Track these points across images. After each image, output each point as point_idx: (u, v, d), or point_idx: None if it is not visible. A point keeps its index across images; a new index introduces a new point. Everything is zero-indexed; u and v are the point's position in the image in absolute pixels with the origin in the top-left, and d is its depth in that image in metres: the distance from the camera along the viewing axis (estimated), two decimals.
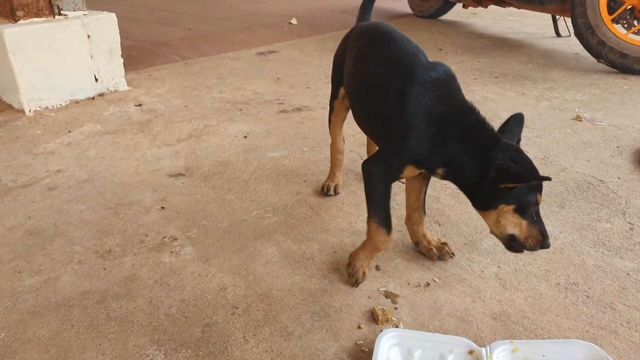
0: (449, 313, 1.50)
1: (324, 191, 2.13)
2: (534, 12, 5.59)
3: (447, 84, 1.52)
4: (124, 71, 3.35)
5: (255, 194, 2.16)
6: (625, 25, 3.66)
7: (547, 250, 1.73)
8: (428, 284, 1.62)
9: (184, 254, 1.77)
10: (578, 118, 2.83)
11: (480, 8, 5.29)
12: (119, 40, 3.29)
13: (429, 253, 1.72)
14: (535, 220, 1.42)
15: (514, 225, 1.43)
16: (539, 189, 1.42)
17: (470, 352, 1.29)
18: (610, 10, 3.57)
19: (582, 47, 3.71)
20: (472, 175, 1.45)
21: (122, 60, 3.31)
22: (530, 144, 2.55)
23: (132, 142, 2.64)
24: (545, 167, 2.32)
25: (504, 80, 3.54)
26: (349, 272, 1.62)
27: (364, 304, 1.54)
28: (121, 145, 2.61)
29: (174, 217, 1.98)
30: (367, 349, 1.37)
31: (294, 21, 5.38)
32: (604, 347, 1.33)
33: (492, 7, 5.07)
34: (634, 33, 3.61)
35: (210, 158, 2.47)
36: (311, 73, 3.80)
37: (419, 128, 1.47)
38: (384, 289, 1.60)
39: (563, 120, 2.85)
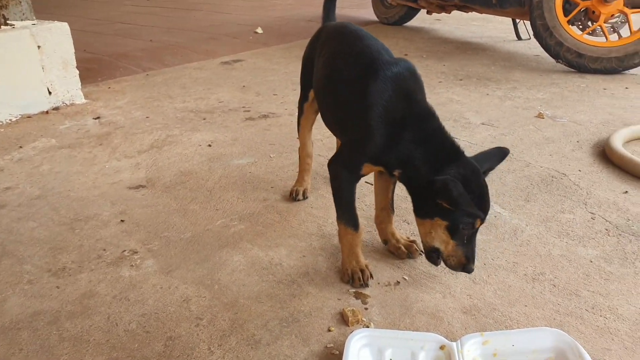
0: (419, 310, 1.47)
1: (293, 196, 2.10)
2: (496, 17, 5.73)
3: (408, 81, 1.51)
4: (80, 83, 3.25)
5: (220, 203, 2.10)
6: (580, 27, 3.77)
7: (515, 243, 1.76)
8: (398, 282, 1.59)
9: (145, 267, 1.71)
10: (540, 115, 2.88)
11: (443, 14, 5.39)
12: (73, 52, 3.18)
13: (398, 251, 1.70)
14: (465, 243, 1.42)
15: (442, 241, 1.44)
16: (482, 217, 1.41)
17: (442, 348, 1.26)
18: (566, 12, 3.67)
19: (541, 48, 3.81)
20: (422, 180, 1.43)
21: (77, 72, 3.21)
22: (496, 142, 2.57)
23: (90, 155, 2.56)
24: (511, 164, 2.34)
25: (469, 82, 3.59)
26: (348, 281, 1.59)
27: (334, 306, 1.50)
28: (78, 159, 2.52)
29: (134, 230, 1.91)
30: (337, 352, 1.33)
31: (259, 30, 5.37)
32: (571, 333, 1.33)
33: (455, 12, 5.17)
34: (589, 34, 3.72)
35: (173, 168, 2.41)
36: (278, 80, 3.78)
37: (376, 125, 1.45)
38: (354, 290, 1.57)
39: (526, 118, 2.90)
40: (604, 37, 3.61)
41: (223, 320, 1.46)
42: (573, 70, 3.67)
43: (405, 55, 4.38)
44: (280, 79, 3.81)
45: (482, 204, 1.40)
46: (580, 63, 3.56)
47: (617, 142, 2.32)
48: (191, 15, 6.67)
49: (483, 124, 2.84)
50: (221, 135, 2.79)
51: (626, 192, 2.05)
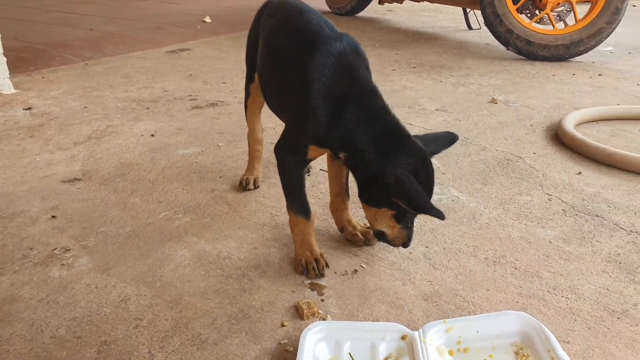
0: (378, 299, 1.39)
1: (242, 185, 1.97)
2: (447, 7, 5.77)
3: (350, 56, 1.41)
4: (8, 72, 2.98)
5: (164, 195, 1.95)
6: (529, 15, 3.82)
7: (474, 226, 1.71)
8: (355, 271, 1.50)
9: (78, 265, 1.54)
10: (493, 101, 2.87)
11: (395, 4, 5.36)
12: None
13: (355, 239, 1.61)
14: (408, 226, 1.43)
15: (389, 226, 1.43)
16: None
17: (403, 338, 1.18)
18: (515, 1, 3.71)
19: (492, 36, 3.83)
20: (371, 169, 1.36)
21: (4, 59, 2.94)
22: (450, 127, 2.53)
23: (19, 148, 2.33)
24: (466, 148, 2.30)
25: (422, 70, 3.56)
26: (302, 272, 1.49)
27: (288, 300, 1.40)
28: (4, 152, 2.29)
29: (67, 226, 1.73)
30: (291, 348, 1.23)
31: (207, 19, 5.17)
32: (534, 316, 1.27)
33: (407, 3, 5.15)
34: (536, 22, 3.77)
35: (112, 160, 2.23)
36: (227, 69, 3.62)
37: (317, 103, 1.36)
38: (309, 281, 1.46)
39: (480, 103, 2.88)
40: (551, 25, 3.67)
41: (165, 320, 1.32)
42: (523, 57, 3.71)
43: None
44: (230, 67, 3.66)
45: (429, 192, 1.39)
46: (530, 50, 3.61)
47: (569, 125, 2.32)
48: (135, 4, 6.36)
49: (437, 110, 2.80)
50: (165, 125, 2.62)
51: (580, 173, 2.05)
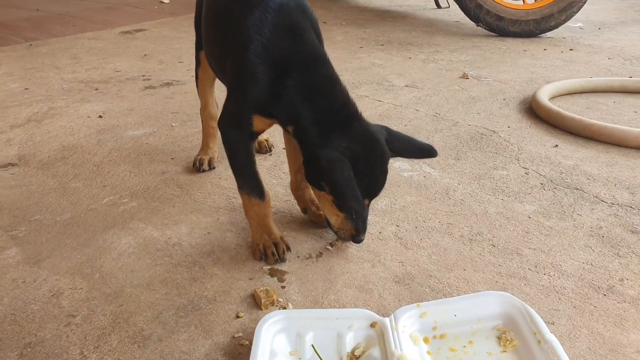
0: (346, 283, 1.25)
1: (196, 166, 1.79)
2: None
3: (295, 15, 1.24)
4: None
5: (109, 178, 1.76)
6: None
7: (447, 203, 1.58)
8: (320, 253, 1.36)
9: (4, 258, 1.35)
10: (465, 76, 2.76)
11: None
12: None
13: (319, 219, 1.46)
14: (355, 218, 1.26)
15: (332, 214, 1.29)
16: (371, 195, 1.26)
17: (372, 325, 1.04)
18: None
19: (461, 14, 3.72)
20: (313, 145, 1.22)
21: None
22: (421, 103, 2.41)
23: None
24: (438, 123, 2.18)
25: (390, 47, 3.42)
26: (260, 257, 1.34)
27: (244, 288, 1.24)
28: None
29: None
30: (247, 342, 1.08)
31: (165, 0, 4.90)
32: (516, 295, 1.16)
33: None
34: None
35: (53, 143, 2.02)
36: (185, 48, 3.40)
37: (256, 67, 1.20)
38: (269, 267, 1.31)
39: (451, 79, 2.77)
40: (522, 0, 3.58)
41: (103, 316, 1.15)
42: (493, 34, 3.62)
43: (324, 24, 4.15)
44: (188, 47, 3.43)
45: (372, 186, 1.24)
46: (500, 26, 3.51)
47: (543, 97, 2.22)
48: None
49: (407, 86, 2.67)
50: (115, 106, 2.41)
51: (556, 145, 1.95)
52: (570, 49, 3.23)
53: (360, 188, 1.17)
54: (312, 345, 1.03)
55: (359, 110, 1.25)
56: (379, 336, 1.03)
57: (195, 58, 1.73)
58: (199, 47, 1.68)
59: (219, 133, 1.82)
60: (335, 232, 1.32)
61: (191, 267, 1.32)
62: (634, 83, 2.42)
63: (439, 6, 4.68)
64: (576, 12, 3.41)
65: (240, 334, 1.10)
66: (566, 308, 1.16)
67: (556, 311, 1.14)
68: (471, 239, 1.41)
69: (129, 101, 2.46)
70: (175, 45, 3.49)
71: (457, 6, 3.69)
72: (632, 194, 1.61)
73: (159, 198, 1.64)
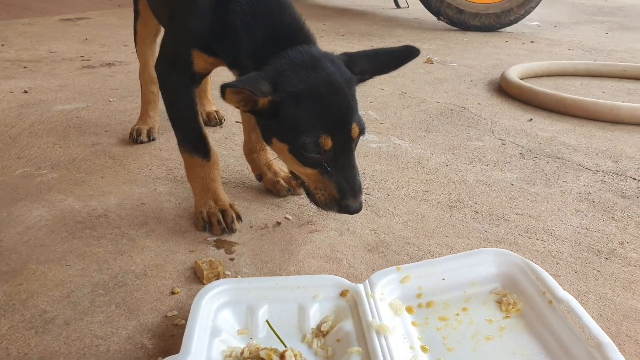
0: (309, 253, 1.04)
1: (133, 137, 1.55)
2: None
3: None
4: None
5: (26, 150, 1.49)
6: None
7: (421, 171, 1.41)
8: (278, 223, 1.14)
9: None
10: (429, 61, 2.64)
11: None
12: None
13: (276, 187, 1.25)
14: (332, 172, 0.93)
15: (300, 172, 0.98)
16: (325, 128, 0.90)
17: (343, 294, 0.83)
18: None
19: (421, 12, 3.64)
20: None
21: None
22: (386, 83, 2.25)
23: None
24: (404, 100, 2.02)
25: (351, 38, 3.28)
26: (204, 227, 1.10)
27: (183, 261, 1.01)
28: None
29: None
30: (183, 321, 0.84)
31: None
32: None
33: None
34: None
35: None
36: (131, 34, 3.12)
37: None
38: (214, 239, 1.09)
39: (415, 63, 2.61)
40: None
41: None
42: (454, 28, 3.55)
43: None
44: None
45: (329, 115, 0.90)
46: (461, 19, 3.44)
47: (513, 75, 2.11)
48: None
49: None
50: (45, 83, 2.12)
51: (531, 119, 1.82)
52: (531, 41, 3.19)
53: (313, 121, 0.90)
54: (267, 321, 0.81)
55: (313, 39, 1.01)
56: (352, 306, 0.82)
57: (134, 10, 1.51)
58: None
59: (161, 100, 1.58)
60: (315, 201, 0.98)
61: (118, 240, 1.07)
62: (598, 66, 2.36)
63: (398, 6, 4.61)
64: (534, 8, 3.38)
65: (175, 312, 0.87)
66: (567, 273, 0.99)
67: (556, 277, 0.97)
68: (451, 206, 1.23)
69: (62, 79, 2.18)
70: (120, 32, 3.21)
71: (417, 4, 3.61)
72: (616, 162, 1.48)
73: (85, 169, 1.38)
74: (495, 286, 0.85)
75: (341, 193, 0.93)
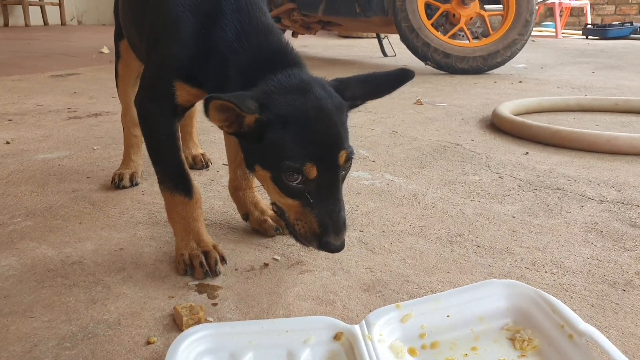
0: (299, 295, 0.95)
1: (115, 182, 1.48)
2: (360, 42, 5.74)
3: None
4: None
5: (1, 199, 1.41)
6: (443, 31, 3.75)
7: (417, 207, 1.34)
8: (266, 264, 1.06)
9: None
10: (419, 102, 2.63)
11: (309, 39, 5.22)
12: None
13: (264, 226, 1.17)
14: (315, 204, 0.86)
15: (281, 202, 0.91)
16: (310, 155, 0.83)
17: (337, 337, 0.74)
18: (429, 17, 3.63)
19: (408, 59, 3.70)
20: None
21: None
22: (376, 124, 2.23)
23: None
24: (396, 139, 1.99)
25: None
26: (185, 270, 1.01)
27: (161, 308, 0.92)
28: None
29: None
30: None
31: (105, 50, 4.69)
32: None
33: (319, 40, 5.02)
34: (452, 37, 3.71)
35: None
36: None
37: (178, 17, 0.96)
38: (196, 282, 1.00)
39: (405, 105, 2.63)
40: (467, 40, 3.61)
41: None
42: (442, 72, 3.59)
43: None
44: None
45: (314, 141, 0.83)
46: (449, 63, 3.49)
47: (505, 111, 2.09)
48: (23, 42, 5.73)
49: (359, 111, 2.49)
50: (28, 134, 2.08)
51: (527, 153, 1.78)
52: (520, 81, 3.22)
53: (298, 147, 0.83)
54: None
55: (302, 63, 0.95)
56: (347, 351, 0.73)
57: (115, 51, 1.48)
58: (118, 36, 1.43)
59: (144, 145, 1.53)
60: (294, 234, 0.91)
61: (91, 288, 0.98)
62: (589, 101, 2.36)
63: (385, 55, 4.71)
64: (520, 49, 3.45)
65: None
66: (583, 307, 0.90)
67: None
68: (451, 241, 1.16)
69: (47, 130, 2.14)
70: (109, 85, 3.21)
71: (404, 52, 3.68)
72: (619, 191, 1.43)
73: (62, 216, 1.31)
74: (506, 321, 0.76)
75: (322, 228, 0.86)
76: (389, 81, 0.95)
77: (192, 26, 0.96)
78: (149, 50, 1.06)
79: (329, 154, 0.85)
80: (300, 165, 0.82)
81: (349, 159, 0.87)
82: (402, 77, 0.94)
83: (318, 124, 0.85)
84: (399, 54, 4.72)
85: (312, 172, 0.83)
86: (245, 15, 0.95)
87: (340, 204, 0.87)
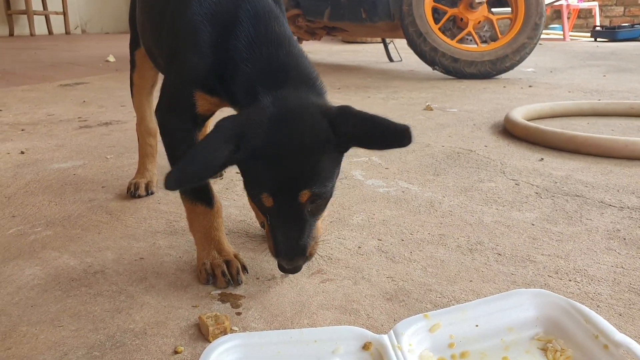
0: (322, 305, 0.95)
1: (131, 192, 1.49)
2: (365, 47, 5.75)
3: None
4: None
5: (21, 209, 1.42)
6: (451, 36, 3.75)
7: (435, 215, 1.33)
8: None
9: None
10: (428, 108, 2.63)
11: (314, 45, 5.24)
12: None
13: None
14: (275, 227, 0.91)
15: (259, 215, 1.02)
16: (266, 188, 0.87)
17: (365, 347, 0.74)
18: (436, 21, 3.64)
19: (415, 65, 3.72)
20: None
21: None
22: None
23: None
24: (408, 146, 1.98)
25: (348, 90, 3.31)
26: (207, 280, 1.02)
27: (186, 317, 0.92)
28: None
29: None
30: None
31: (111, 59, 4.72)
32: None
33: (324, 46, 5.04)
34: (459, 41, 3.71)
35: None
36: (129, 95, 3.15)
37: (196, 26, 0.97)
38: (219, 292, 1.00)
39: (414, 111, 2.63)
40: (476, 44, 3.61)
41: None
42: (450, 77, 3.59)
43: None
44: None
45: (269, 173, 0.86)
46: (457, 68, 3.49)
47: (518, 117, 2.09)
48: (30, 52, 5.77)
49: None
50: (42, 143, 2.09)
51: (542, 159, 1.77)
52: (530, 86, 3.22)
53: (259, 177, 0.87)
54: None
55: (308, 79, 0.94)
56: None
57: (130, 60, 1.49)
58: (134, 45, 1.44)
59: (160, 151, 1.54)
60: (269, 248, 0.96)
61: (115, 297, 0.98)
62: (603, 105, 2.35)
63: (391, 60, 4.72)
64: (529, 53, 3.45)
65: None
66: (611, 317, 0.90)
67: None
68: (471, 249, 1.15)
69: (60, 139, 2.16)
70: (117, 93, 3.24)
71: (410, 57, 3.69)
72: None
73: (81, 226, 1.31)
74: (536, 331, 0.76)
75: (276, 250, 0.93)
76: (387, 137, 0.87)
77: (210, 35, 0.96)
78: (168, 60, 1.07)
79: (287, 190, 0.87)
80: (258, 194, 0.89)
81: (313, 200, 0.88)
82: (399, 139, 0.85)
83: (281, 160, 0.86)
84: (405, 59, 4.73)
85: (268, 201, 0.88)
86: (261, 24, 0.95)
87: (299, 231, 0.90)
